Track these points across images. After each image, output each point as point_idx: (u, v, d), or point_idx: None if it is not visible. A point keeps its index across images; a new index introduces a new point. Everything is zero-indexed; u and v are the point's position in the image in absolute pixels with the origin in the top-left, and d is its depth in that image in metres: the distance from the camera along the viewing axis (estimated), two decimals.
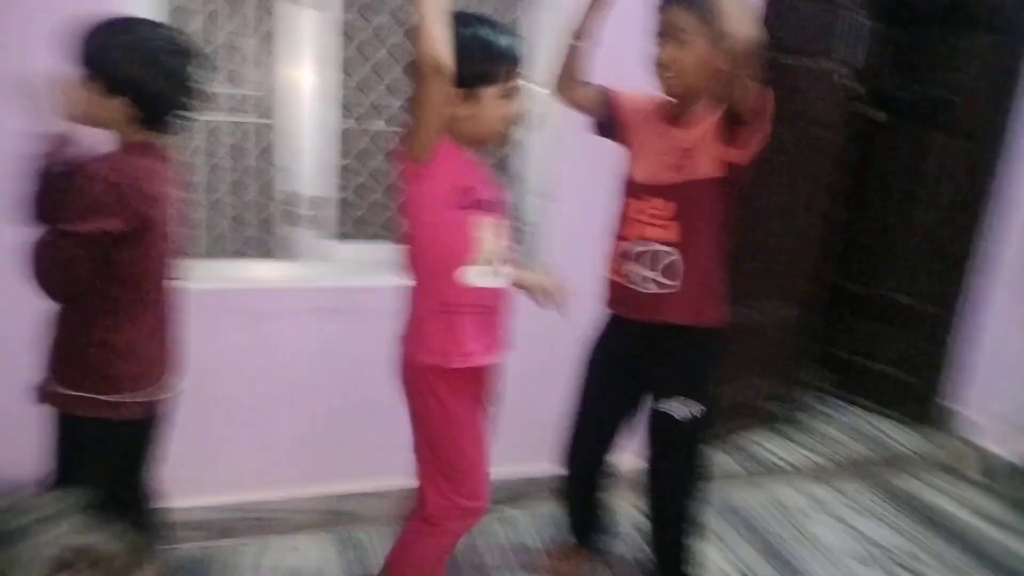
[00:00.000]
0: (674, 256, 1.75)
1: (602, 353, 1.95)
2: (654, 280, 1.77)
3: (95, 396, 1.41)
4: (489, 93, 1.46)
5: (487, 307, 1.55)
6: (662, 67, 1.70)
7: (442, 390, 1.55)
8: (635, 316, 1.83)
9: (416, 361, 1.56)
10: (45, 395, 1.44)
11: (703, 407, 1.83)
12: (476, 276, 1.50)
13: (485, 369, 1.60)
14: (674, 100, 1.76)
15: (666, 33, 1.68)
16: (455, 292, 1.50)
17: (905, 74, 3.15)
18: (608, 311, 1.92)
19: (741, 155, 1.67)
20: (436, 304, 1.52)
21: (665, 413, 1.83)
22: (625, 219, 1.82)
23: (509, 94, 1.49)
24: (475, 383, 1.59)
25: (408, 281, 1.56)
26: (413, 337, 1.58)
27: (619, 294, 1.85)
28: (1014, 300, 2.85)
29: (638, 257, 1.78)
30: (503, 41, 1.46)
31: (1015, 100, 2.83)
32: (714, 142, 1.68)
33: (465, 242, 1.48)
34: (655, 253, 1.76)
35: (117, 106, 1.37)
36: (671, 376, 1.85)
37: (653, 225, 1.76)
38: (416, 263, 1.53)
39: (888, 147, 3.26)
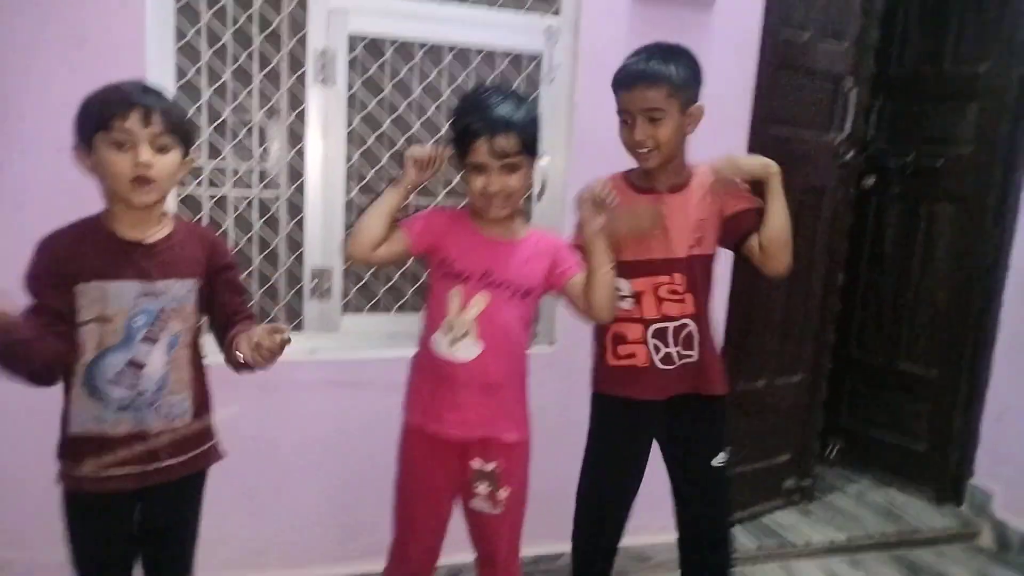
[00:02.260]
0: (691, 327, 1.73)
1: (613, 437, 1.85)
2: (676, 353, 1.73)
3: None
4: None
5: (442, 375, 1.56)
6: (637, 145, 1.66)
7: (400, 446, 1.66)
8: (654, 395, 1.75)
9: None
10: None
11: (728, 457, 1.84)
12: (436, 343, 1.56)
13: (431, 436, 1.58)
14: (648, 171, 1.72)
15: (636, 112, 1.63)
16: (424, 355, 1.60)
17: (898, 144, 3.21)
18: (611, 395, 1.81)
19: (746, 201, 1.74)
20: (415, 364, 1.64)
21: (714, 468, 1.79)
22: (637, 299, 1.74)
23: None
24: (418, 446, 1.60)
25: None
26: None
27: (632, 375, 1.76)
28: (1018, 364, 2.84)
29: (657, 334, 1.73)
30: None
31: (1003, 167, 2.88)
32: (715, 207, 1.72)
33: (439, 310, 1.56)
34: (676, 328, 1.72)
35: None
36: (709, 437, 1.81)
37: (670, 300, 1.72)
38: None
39: (879, 213, 3.31)
